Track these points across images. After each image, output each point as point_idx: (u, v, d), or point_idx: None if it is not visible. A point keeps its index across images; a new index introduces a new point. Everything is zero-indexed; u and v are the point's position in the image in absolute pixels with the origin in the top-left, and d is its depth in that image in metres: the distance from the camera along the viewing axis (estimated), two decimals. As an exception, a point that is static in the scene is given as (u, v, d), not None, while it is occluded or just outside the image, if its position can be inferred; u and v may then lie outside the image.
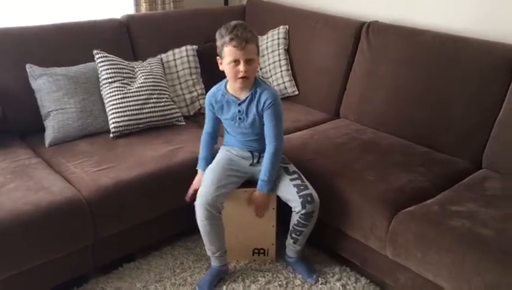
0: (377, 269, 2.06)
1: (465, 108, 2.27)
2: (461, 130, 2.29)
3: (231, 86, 2.03)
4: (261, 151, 2.09)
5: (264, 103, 1.99)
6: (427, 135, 2.39)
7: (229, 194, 2.05)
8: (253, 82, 2.02)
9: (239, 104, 2.02)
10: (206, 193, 1.97)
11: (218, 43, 1.96)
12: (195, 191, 2.04)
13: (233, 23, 1.93)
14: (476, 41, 2.31)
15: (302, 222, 2.03)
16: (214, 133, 2.17)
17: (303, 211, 1.99)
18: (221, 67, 2.00)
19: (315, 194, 2.01)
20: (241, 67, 1.91)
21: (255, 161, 2.12)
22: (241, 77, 1.93)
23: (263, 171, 2.04)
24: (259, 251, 2.23)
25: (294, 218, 2.05)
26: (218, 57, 1.99)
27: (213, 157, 2.14)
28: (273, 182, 2.06)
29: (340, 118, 2.81)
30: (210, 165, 2.10)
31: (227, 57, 1.93)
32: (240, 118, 2.04)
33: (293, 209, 2.04)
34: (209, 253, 2.11)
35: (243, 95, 2.02)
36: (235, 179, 2.08)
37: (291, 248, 2.16)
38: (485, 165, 2.23)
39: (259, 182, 2.06)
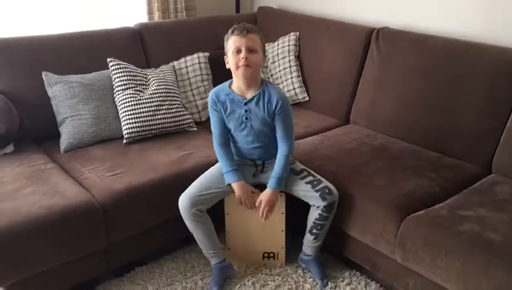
0: (386, 273, 2.06)
1: (476, 113, 2.27)
2: (471, 136, 2.29)
3: (236, 83, 2.01)
4: (265, 159, 2.10)
5: (276, 104, 1.97)
6: (437, 140, 2.40)
7: (215, 200, 2.07)
8: (260, 82, 2.01)
9: (245, 104, 2.00)
10: (190, 194, 2.00)
11: (225, 42, 1.98)
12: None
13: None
14: (487, 47, 2.31)
15: (324, 215, 2.02)
16: (227, 141, 2.10)
17: (324, 204, 1.99)
18: (227, 66, 2.00)
19: (331, 185, 2.02)
20: (243, 54, 1.90)
21: (259, 169, 2.12)
22: (243, 65, 1.91)
23: (277, 169, 2.02)
24: (269, 254, 2.25)
25: (316, 213, 2.04)
26: (225, 56, 2.00)
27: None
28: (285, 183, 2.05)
29: (350, 123, 2.82)
30: (209, 170, 2.11)
31: (230, 47, 1.94)
32: (246, 118, 2.01)
33: (312, 205, 2.04)
34: (205, 254, 2.14)
35: (250, 94, 2.00)
36: (229, 188, 2.07)
37: (310, 245, 2.14)
38: (495, 170, 2.22)
39: (271, 180, 2.03)
